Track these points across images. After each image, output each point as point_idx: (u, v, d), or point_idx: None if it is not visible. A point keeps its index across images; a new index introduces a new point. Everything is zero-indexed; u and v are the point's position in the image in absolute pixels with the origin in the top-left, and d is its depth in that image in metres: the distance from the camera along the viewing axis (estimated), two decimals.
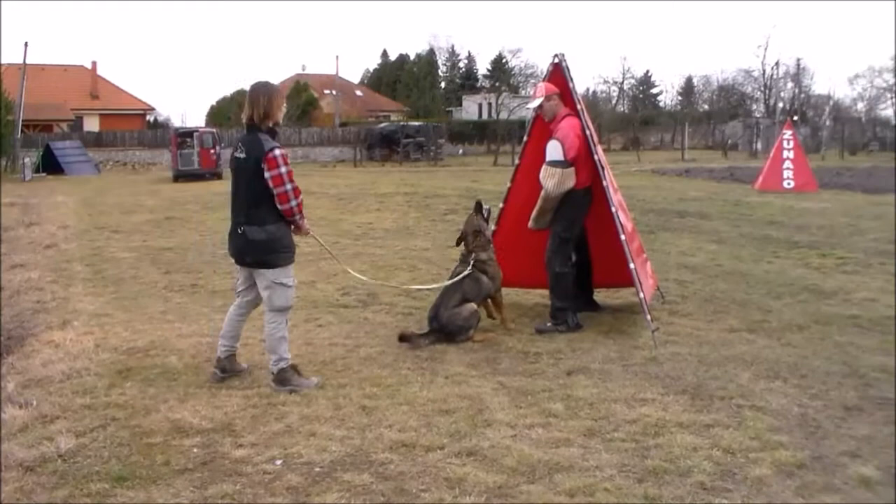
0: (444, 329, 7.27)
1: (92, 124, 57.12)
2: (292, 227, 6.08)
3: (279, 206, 5.89)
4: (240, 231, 6.00)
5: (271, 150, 5.81)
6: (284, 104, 6.24)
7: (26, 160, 36.92)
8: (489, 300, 7.80)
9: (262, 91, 6.00)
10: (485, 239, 7.70)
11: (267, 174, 5.80)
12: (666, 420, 5.32)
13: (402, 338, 7.20)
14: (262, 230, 5.91)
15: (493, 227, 8.02)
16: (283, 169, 5.82)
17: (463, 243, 7.82)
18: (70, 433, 5.17)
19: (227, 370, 6.32)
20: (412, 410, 5.55)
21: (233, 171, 6.13)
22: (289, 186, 5.86)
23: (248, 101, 6.00)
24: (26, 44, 50.64)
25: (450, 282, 7.60)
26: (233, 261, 6.34)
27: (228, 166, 6.23)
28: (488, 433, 5.14)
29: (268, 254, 5.96)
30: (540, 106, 7.79)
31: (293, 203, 5.90)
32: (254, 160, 5.83)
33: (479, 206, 7.82)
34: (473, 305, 7.41)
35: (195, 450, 4.97)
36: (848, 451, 4.82)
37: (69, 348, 7.18)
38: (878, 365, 6.47)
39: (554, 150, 7.47)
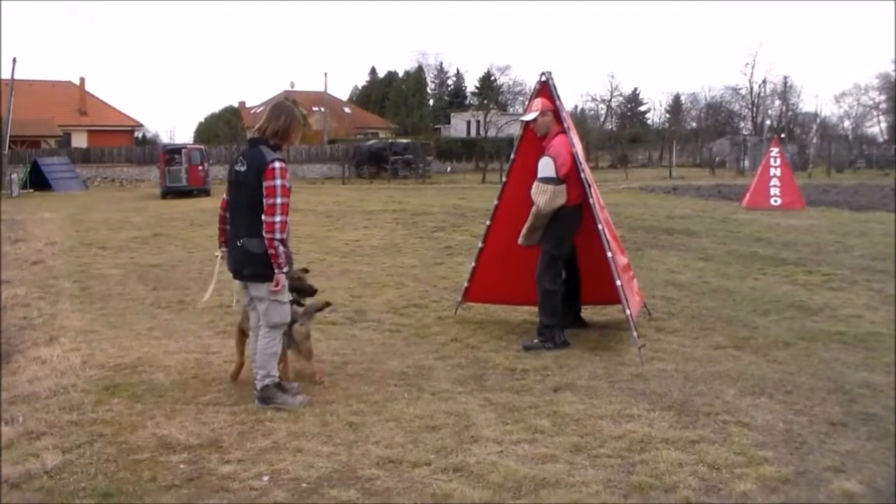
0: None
1: (80, 140, 57.06)
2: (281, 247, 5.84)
3: (263, 217, 5.74)
4: (239, 244, 5.97)
5: (272, 161, 5.77)
6: (300, 137, 6.20)
7: (13, 176, 36.80)
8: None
9: (285, 111, 6.05)
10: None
11: (263, 183, 5.75)
12: (652, 436, 5.34)
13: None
14: (262, 242, 5.82)
15: (480, 244, 8.02)
16: (279, 182, 5.74)
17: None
18: (56, 449, 5.15)
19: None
20: (399, 427, 5.56)
21: (232, 184, 6.07)
22: (279, 200, 5.74)
23: (266, 114, 5.98)
24: (14, 59, 50.91)
25: None
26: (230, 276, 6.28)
27: (227, 179, 6.17)
28: (475, 449, 5.15)
29: (266, 267, 5.87)
30: (534, 120, 7.81)
31: (278, 218, 5.73)
32: (255, 171, 5.80)
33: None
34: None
35: (182, 466, 4.96)
36: (832, 467, 4.85)
37: (56, 364, 7.15)
38: (863, 381, 6.52)
39: (546, 167, 7.51)
